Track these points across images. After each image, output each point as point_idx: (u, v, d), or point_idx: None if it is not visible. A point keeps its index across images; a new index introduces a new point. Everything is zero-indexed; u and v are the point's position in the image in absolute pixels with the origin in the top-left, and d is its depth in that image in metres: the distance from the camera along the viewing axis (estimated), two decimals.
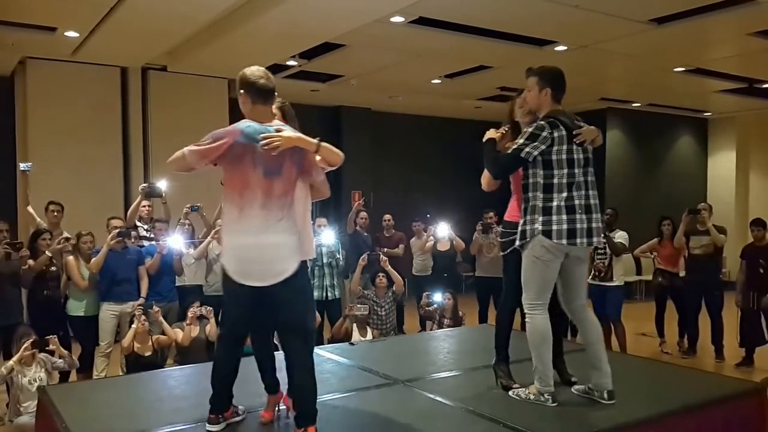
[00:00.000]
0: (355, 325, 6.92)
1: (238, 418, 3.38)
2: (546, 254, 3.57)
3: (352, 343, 5.77)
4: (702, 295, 8.11)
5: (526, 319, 3.69)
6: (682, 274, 8.42)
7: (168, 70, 10.17)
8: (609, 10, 7.45)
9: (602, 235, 3.71)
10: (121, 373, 6.17)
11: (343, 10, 7.27)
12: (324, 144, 3.19)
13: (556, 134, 3.56)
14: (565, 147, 3.57)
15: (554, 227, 3.53)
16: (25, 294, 6.50)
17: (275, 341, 3.79)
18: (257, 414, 3.49)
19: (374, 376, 4.35)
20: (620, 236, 7.88)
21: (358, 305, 6.99)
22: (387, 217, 9.42)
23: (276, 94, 3.27)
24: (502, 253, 4.00)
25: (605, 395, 3.65)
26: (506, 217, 4.00)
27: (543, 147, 3.55)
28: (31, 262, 6.36)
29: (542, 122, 3.60)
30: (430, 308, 7.67)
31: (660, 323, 8.64)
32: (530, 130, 3.59)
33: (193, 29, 8.22)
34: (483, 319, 8.37)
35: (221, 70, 10.18)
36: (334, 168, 3.28)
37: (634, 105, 13.81)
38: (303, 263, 3.24)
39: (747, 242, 8.36)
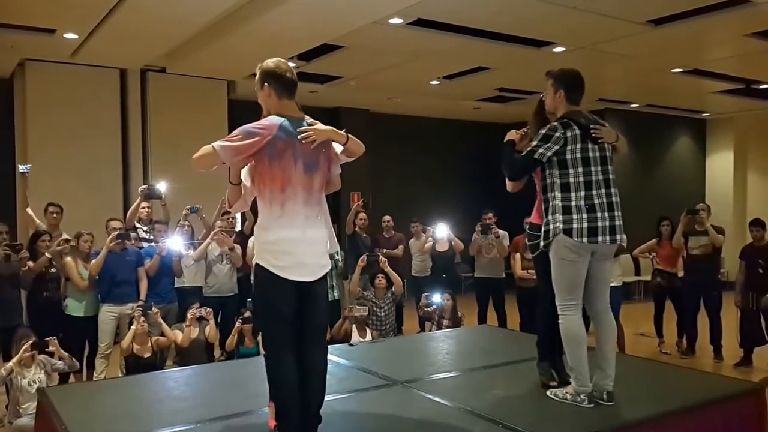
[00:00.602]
0: (354, 326, 6.92)
1: None
2: (570, 254, 3.58)
3: (351, 344, 5.77)
4: (701, 296, 8.12)
5: (560, 320, 3.70)
6: (680, 274, 8.44)
7: (167, 71, 10.18)
8: (607, 12, 7.46)
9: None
10: (120, 375, 6.17)
11: (341, 11, 7.28)
12: (351, 137, 3.24)
13: (569, 134, 3.59)
14: (579, 146, 3.60)
15: (575, 225, 3.55)
16: (24, 295, 6.50)
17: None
18: (257, 414, 3.49)
19: (373, 377, 4.35)
20: None
21: (358, 306, 6.99)
22: (386, 218, 9.42)
23: None
24: (531, 255, 4.04)
25: (604, 396, 3.66)
26: (530, 220, 4.01)
27: (556, 147, 3.58)
28: (30, 263, 6.36)
29: (555, 123, 3.64)
30: (429, 309, 7.67)
31: (659, 323, 8.65)
32: (543, 131, 3.63)
33: (191, 31, 8.23)
34: (482, 319, 8.39)
35: (220, 71, 10.20)
36: (351, 160, 3.29)
37: (632, 106, 13.81)
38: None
39: (745, 242, 8.38)
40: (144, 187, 7.58)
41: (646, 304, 9.63)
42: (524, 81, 10.77)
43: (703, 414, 3.74)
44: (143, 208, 7.54)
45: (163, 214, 7.62)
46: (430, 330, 7.54)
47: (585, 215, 3.55)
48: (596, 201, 3.58)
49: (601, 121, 3.78)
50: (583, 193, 3.58)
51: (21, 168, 7.46)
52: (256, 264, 3.10)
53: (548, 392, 3.82)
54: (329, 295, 7.48)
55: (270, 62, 3.15)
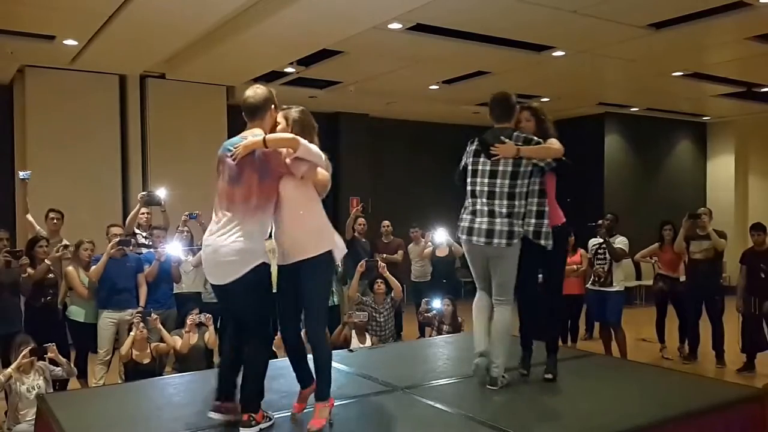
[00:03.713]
0: (354, 331, 6.90)
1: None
2: (467, 250, 4.27)
3: (351, 350, 5.75)
4: (703, 300, 8.09)
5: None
6: (682, 279, 8.40)
7: (166, 77, 10.18)
8: (607, 16, 7.45)
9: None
10: (119, 381, 6.16)
11: (340, 17, 7.28)
12: (270, 136, 3.28)
13: (471, 147, 4.17)
14: (469, 159, 4.15)
15: (461, 224, 4.18)
16: (23, 301, 6.48)
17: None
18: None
19: (373, 383, 4.32)
20: (620, 242, 7.88)
21: (358, 312, 6.97)
22: (385, 223, 9.40)
23: (275, 105, 3.44)
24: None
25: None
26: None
27: (465, 159, 4.18)
28: (30, 270, 6.35)
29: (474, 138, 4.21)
30: (429, 314, 7.64)
31: (660, 328, 8.62)
32: None
33: (190, 38, 8.23)
34: None
35: (220, 77, 10.20)
36: (296, 154, 3.26)
37: (632, 110, 13.81)
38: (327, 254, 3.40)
39: (746, 247, 8.33)
40: (143, 193, 7.58)
41: (648, 309, 9.61)
42: (524, 85, 10.76)
43: (705, 420, 3.72)
44: (142, 214, 7.53)
45: (162, 220, 7.61)
46: (430, 335, 7.52)
47: (466, 216, 4.12)
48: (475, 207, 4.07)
49: (512, 138, 4.03)
50: (475, 199, 4.09)
51: (21, 174, 7.47)
52: None
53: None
54: (329, 300, 7.48)
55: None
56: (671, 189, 14.54)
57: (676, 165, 15.13)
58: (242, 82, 10.18)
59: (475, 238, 4.02)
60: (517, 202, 3.99)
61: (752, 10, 7.32)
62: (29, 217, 7.37)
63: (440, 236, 8.75)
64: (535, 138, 4.05)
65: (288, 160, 3.29)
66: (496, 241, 3.96)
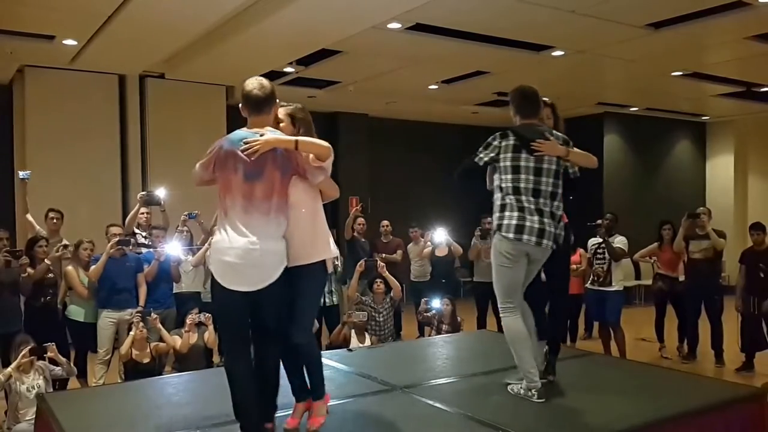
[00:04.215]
0: (353, 331, 6.91)
1: None
2: (504, 252, 3.88)
3: (350, 350, 5.76)
4: (702, 300, 8.09)
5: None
6: (681, 278, 8.40)
7: (166, 77, 10.18)
8: (606, 16, 7.45)
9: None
10: (119, 381, 6.16)
11: (340, 17, 7.28)
12: (302, 139, 3.20)
13: (504, 143, 3.87)
14: (506, 155, 3.87)
15: (504, 222, 3.85)
16: (22, 301, 6.49)
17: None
18: None
19: (372, 382, 4.33)
20: (619, 241, 7.88)
21: (357, 312, 6.98)
22: (385, 223, 9.41)
23: (278, 100, 3.32)
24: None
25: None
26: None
27: (493, 154, 3.89)
28: (30, 270, 6.35)
29: (497, 134, 3.92)
30: (428, 314, 7.65)
31: (660, 328, 8.63)
32: (488, 139, 3.94)
33: (190, 38, 8.24)
34: (481, 324, 8.36)
35: (219, 77, 10.20)
36: (324, 163, 3.23)
37: (631, 109, 13.81)
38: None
39: (745, 246, 8.34)
40: (143, 193, 7.58)
41: (647, 309, 9.61)
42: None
43: (704, 419, 3.73)
44: (142, 214, 7.53)
45: (162, 220, 7.61)
46: (430, 335, 7.53)
47: (513, 213, 3.83)
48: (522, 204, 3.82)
49: (552, 136, 3.92)
50: (520, 197, 3.84)
51: (21, 174, 7.47)
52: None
53: (508, 387, 3.98)
54: (328, 301, 7.50)
55: (246, 81, 3.30)
56: (670, 189, 14.55)
57: (675, 165, 15.13)
58: (242, 81, 10.14)
59: (525, 237, 3.76)
60: (558, 203, 3.89)
61: (751, 9, 7.32)
62: (29, 216, 7.38)
63: (439, 236, 8.74)
64: (569, 140, 4.01)
65: (309, 166, 3.22)
66: (545, 242, 3.80)
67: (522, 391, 3.84)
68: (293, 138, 3.18)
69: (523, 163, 3.82)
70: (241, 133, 3.20)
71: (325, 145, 3.23)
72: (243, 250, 3.08)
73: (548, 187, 3.84)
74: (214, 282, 3.23)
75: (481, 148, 3.92)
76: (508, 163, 3.84)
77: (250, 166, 3.12)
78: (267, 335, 3.26)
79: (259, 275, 3.12)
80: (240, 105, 3.30)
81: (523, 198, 3.79)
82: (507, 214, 3.80)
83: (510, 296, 3.86)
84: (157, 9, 7.06)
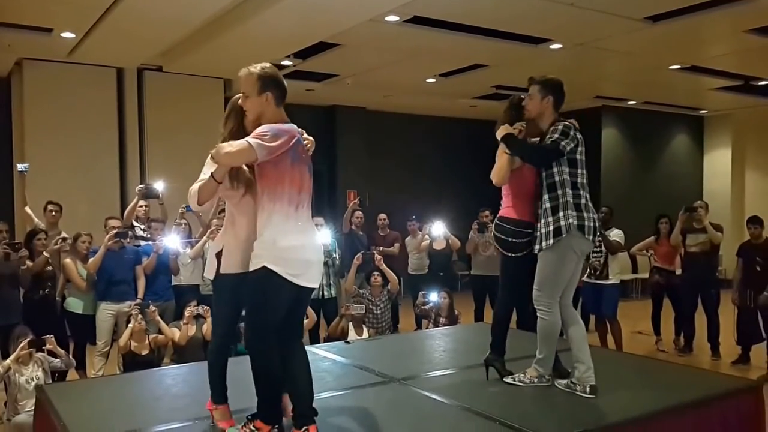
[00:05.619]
0: (351, 323, 6.93)
1: None
2: (575, 251, 3.74)
3: (348, 342, 5.77)
4: (698, 293, 8.13)
5: (546, 317, 3.79)
6: (678, 272, 8.43)
7: (163, 70, 10.17)
8: (604, 8, 7.45)
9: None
10: (118, 372, 6.18)
11: (337, 9, 7.27)
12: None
13: (579, 136, 3.78)
14: (580, 148, 3.79)
15: (586, 223, 3.70)
16: (21, 293, 6.50)
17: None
18: (253, 411, 3.48)
19: (370, 374, 4.36)
20: (616, 234, 7.89)
21: (355, 304, 7.00)
22: (382, 216, 9.42)
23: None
24: (514, 254, 3.97)
25: (587, 389, 3.71)
26: (519, 216, 3.96)
27: (572, 145, 3.73)
28: (29, 262, 6.36)
29: (568, 123, 3.76)
30: (426, 307, 7.67)
31: (656, 321, 8.67)
32: (560, 127, 3.74)
33: (187, 31, 8.23)
34: (479, 317, 8.39)
35: (217, 70, 10.18)
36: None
37: (629, 103, 13.81)
38: None
39: (742, 239, 8.37)
40: (141, 186, 7.59)
41: (644, 302, 9.65)
42: (521, 78, 10.55)
43: (700, 411, 3.75)
44: (140, 206, 7.55)
45: (160, 212, 7.63)
46: (427, 328, 7.54)
47: (592, 214, 3.76)
48: (589, 203, 3.80)
49: None
50: (587, 194, 3.80)
51: (19, 167, 7.48)
52: (264, 267, 2.96)
53: (510, 379, 3.95)
54: (326, 293, 7.54)
55: (269, 68, 3.08)
56: (668, 182, 14.57)
57: (672, 158, 15.14)
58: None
59: (591, 236, 3.73)
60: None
61: (750, 2, 7.31)
62: (28, 209, 7.39)
63: (437, 229, 8.75)
64: None
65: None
66: (592, 237, 3.77)
67: (536, 380, 3.88)
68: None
69: (580, 157, 3.80)
70: (293, 125, 3.10)
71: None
72: (318, 247, 3.13)
73: (585, 179, 3.85)
74: (275, 279, 2.95)
75: (558, 136, 3.71)
76: (578, 157, 3.77)
77: (306, 161, 3.12)
78: (292, 334, 3.19)
79: (318, 271, 3.17)
80: (264, 93, 3.05)
81: (581, 193, 3.76)
82: (568, 213, 3.68)
83: (559, 293, 3.80)
84: (154, 1, 7.05)
